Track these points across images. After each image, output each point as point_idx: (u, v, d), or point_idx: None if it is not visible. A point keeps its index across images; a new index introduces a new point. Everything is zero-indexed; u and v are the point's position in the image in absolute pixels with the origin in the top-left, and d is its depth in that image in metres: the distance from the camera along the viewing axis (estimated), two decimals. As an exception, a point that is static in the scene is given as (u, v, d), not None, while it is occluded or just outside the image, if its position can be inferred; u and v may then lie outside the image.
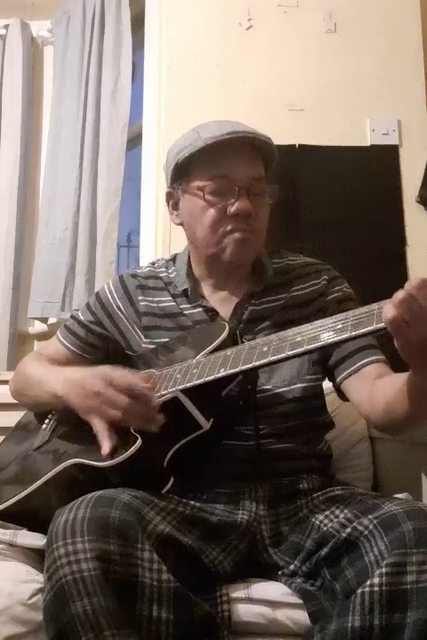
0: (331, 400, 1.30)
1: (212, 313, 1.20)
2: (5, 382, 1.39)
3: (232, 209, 1.13)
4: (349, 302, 1.19)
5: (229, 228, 1.14)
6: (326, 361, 1.18)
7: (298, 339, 0.91)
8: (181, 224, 1.24)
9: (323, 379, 1.21)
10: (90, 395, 1.00)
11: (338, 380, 1.16)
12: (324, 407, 1.24)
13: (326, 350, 1.17)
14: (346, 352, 1.15)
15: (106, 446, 0.96)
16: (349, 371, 1.14)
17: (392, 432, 1.15)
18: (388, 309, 0.80)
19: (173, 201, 1.24)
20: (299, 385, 1.15)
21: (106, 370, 1.03)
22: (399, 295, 0.79)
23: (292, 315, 1.17)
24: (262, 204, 1.17)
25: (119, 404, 0.98)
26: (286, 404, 1.14)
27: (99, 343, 1.27)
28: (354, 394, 1.14)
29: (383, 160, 2.00)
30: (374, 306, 0.85)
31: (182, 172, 1.18)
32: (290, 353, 0.90)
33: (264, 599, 0.96)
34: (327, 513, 1.01)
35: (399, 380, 0.96)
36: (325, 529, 0.97)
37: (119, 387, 0.99)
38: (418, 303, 0.78)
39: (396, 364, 0.95)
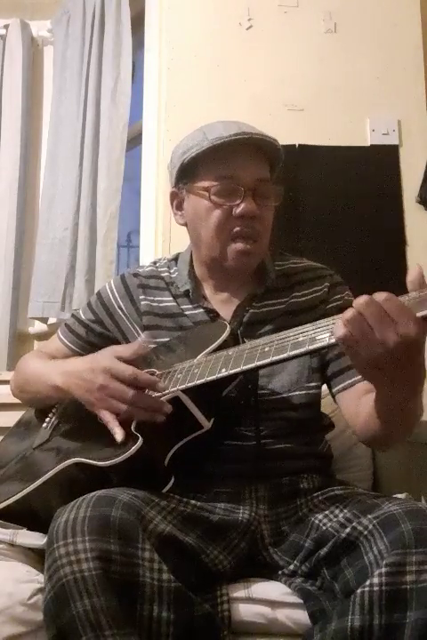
0: (331, 400, 1.30)
1: (212, 314, 1.20)
2: (5, 382, 1.40)
3: (238, 210, 1.13)
4: None
5: (234, 230, 1.14)
6: (324, 368, 1.19)
7: (300, 339, 0.91)
8: (185, 224, 1.24)
9: (322, 386, 1.21)
10: (93, 388, 1.01)
11: (333, 391, 1.18)
12: (322, 412, 1.24)
13: (325, 358, 1.18)
14: (342, 365, 1.15)
15: (119, 435, 0.97)
16: (342, 385, 1.15)
17: (376, 447, 1.16)
18: (338, 327, 0.80)
19: (177, 201, 1.23)
20: (298, 392, 1.15)
21: (107, 362, 1.02)
22: (348, 313, 0.79)
23: (293, 321, 1.16)
24: (267, 205, 1.17)
25: (125, 396, 0.98)
26: (285, 409, 1.14)
27: (99, 342, 1.27)
28: (345, 409, 1.15)
29: (383, 160, 2.00)
30: None
31: (188, 173, 1.17)
32: (292, 353, 0.90)
33: (264, 599, 0.96)
34: (327, 512, 1.01)
35: (374, 400, 0.96)
36: (324, 528, 0.97)
37: (123, 378, 0.99)
38: (366, 321, 0.79)
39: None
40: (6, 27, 2.51)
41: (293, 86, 2.02)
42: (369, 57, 2.05)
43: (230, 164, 1.13)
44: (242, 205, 1.12)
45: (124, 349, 1.06)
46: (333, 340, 0.86)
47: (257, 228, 1.15)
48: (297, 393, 1.15)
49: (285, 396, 1.14)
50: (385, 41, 2.06)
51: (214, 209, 1.14)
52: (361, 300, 0.79)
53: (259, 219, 1.14)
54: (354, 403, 1.11)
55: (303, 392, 1.16)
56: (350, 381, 1.14)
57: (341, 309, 1.17)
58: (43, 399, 1.19)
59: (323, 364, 1.18)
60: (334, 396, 1.19)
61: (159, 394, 1.02)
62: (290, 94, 2.01)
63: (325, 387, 1.22)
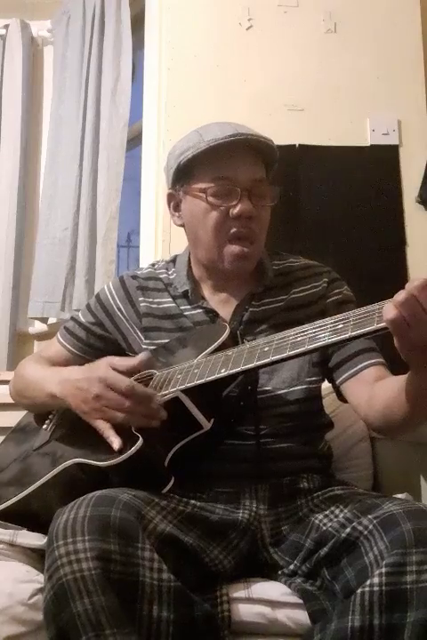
0: (331, 400, 1.30)
1: (212, 314, 1.20)
2: (5, 382, 1.39)
3: (235, 211, 1.13)
4: (348, 305, 1.19)
5: (231, 231, 1.14)
6: (326, 362, 1.19)
7: (299, 338, 0.91)
8: (183, 225, 1.24)
9: (322, 380, 1.21)
10: (89, 398, 1.01)
11: (338, 382, 1.17)
12: (323, 408, 1.24)
13: (327, 351, 1.17)
14: (346, 354, 1.15)
15: (116, 443, 0.97)
16: (348, 373, 1.15)
17: (390, 434, 1.16)
18: (388, 309, 0.80)
19: (174, 202, 1.24)
20: (299, 387, 1.16)
21: (103, 372, 1.02)
22: (401, 296, 0.79)
23: (292, 317, 1.17)
24: (264, 206, 1.17)
25: (121, 406, 0.98)
26: (286, 405, 1.14)
27: (99, 344, 1.27)
28: (353, 396, 1.14)
29: (383, 160, 2.00)
30: (375, 306, 0.85)
31: (184, 174, 1.18)
32: (291, 353, 0.90)
33: (264, 599, 0.96)
34: (327, 512, 1.01)
35: (398, 381, 0.97)
36: (324, 528, 0.97)
37: (119, 389, 0.99)
38: (420, 304, 0.79)
39: (395, 366, 0.95)
40: (6, 27, 2.51)
41: (293, 86, 2.02)
42: (369, 57, 2.04)
43: (226, 166, 1.14)
44: (238, 206, 1.13)
45: (121, 362, 1.05)
46: (331, 340, 0.87)
47: (254, 229, 1.15)
48: (298, 388, 1.15)
49: (285, 391, 1.15)
50: (385, 41, 2.05)
51: (211, 210, 1.14)
52: (416, 283, 0.79)
53: (256, 219, 1.15)
54: (365, 390, 1.10)
55: (304, 386, 1.16)
56: (356, 368, 1.13)
57: (339, 304, 1.18)
58: (40, 406, 1.19)
59: (324, 358, 1.18)
60: (338, 388, 1.18)
61: (159, 394, 1.02)
62: (290, 94, 2.01)
63: (324, 385, 1.22)
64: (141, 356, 1.06)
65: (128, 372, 1.04)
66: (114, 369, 1.03)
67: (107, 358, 1.08)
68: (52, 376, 1.14)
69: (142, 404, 0.99)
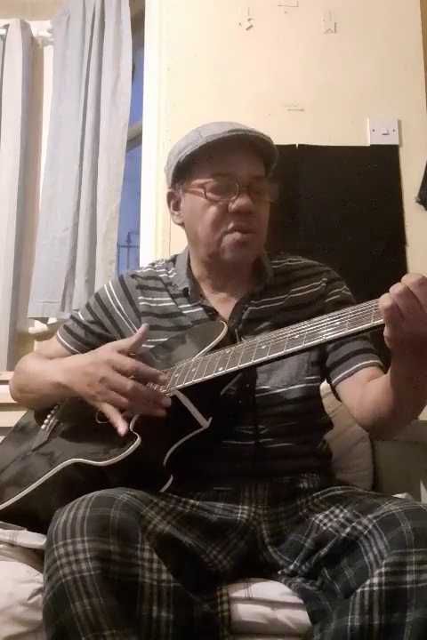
0: (331, 400, 1.30)
1: (211, 312, 1.20)
2: (5, 382, 1.40)
3: (233, 206, 1.13)
4: (347, 305, 1.18)
5: (230, 225, 1.14)
6: (323, 362, 1.19)
7: (296, 336, 0.91)
8: (182, 224, 1.24)
9: (322, 380, 1.21)
10: (95, 381, 1.01)
11: (333, 382, 1.18)
12: (322, 407, 1.24)
13: (324, 350, 1.18)
14: (342, 355, 1.16)
15: (122, 427, 0.97)
16: (343, 374, 1.15)
17: (381, 434, 1.16)
18: (385, 298, 0.81)
19: (174, 201, 1.24)
20: (298, 386, 1.15)
21: (108, 355, 1.03)
22: (398, 288, 0.81)
23: (291, 316, 1.16)
24: (263, 202, 1.18)
25: (125, 388, 0.98)
26: (285, 404, 1.14)
27: (98, 343, 1.26)
28: (346, 397, 1.15)
29: (383, 160, 2.00)
30: (371, 303, 0.86)
31: (183, 172, 1.18)
32: (288, 350, 0.90)
33: (264, 599, 0.96)
34: (327, 512, 1.01)
35: (387, 378, 0.97)
36: (324, 528, 0.97)
37: (125, 370, 0.99)
38: (416, 300, 0.80)
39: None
40: (6, 27, 2.51)
41: (293, 86, 2.02)
42: (369, 57, 2.04)
43: (225, 161, 1.14)
44: (237, 201, 1.13)
45: (125, 343, 1.06)
46: (328, 337, 0.87)
47: (253, 223, 1.15)
48: (297, 386, 1.15)
49: (284, 390, 1.15)
50: (385, 41, 2.05)
51: (210, 205, 1.14)
52: (414, 279, 0.80)
53: (255, 214, 1.15)
54: (357, 390, 1.11)
55: (303, 385, 1.16)
56: (351, 369, 1.14)
57: (338, 303, 1.19)
58: (44, 398, 1.19)
59: (322, 357, 1.19)
60: (334, 388, 1.18)
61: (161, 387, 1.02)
62: (290, 94, 2.01)
63: (324, 385, 1.22)
64: (142, 328, 1.06)
65: (132, 349, 1.05)
66: (119, 351, 1.04)
67: (111, 343, 1.08)
68: (56, 366, 1.14)
69: (145, 387, 0.99)
